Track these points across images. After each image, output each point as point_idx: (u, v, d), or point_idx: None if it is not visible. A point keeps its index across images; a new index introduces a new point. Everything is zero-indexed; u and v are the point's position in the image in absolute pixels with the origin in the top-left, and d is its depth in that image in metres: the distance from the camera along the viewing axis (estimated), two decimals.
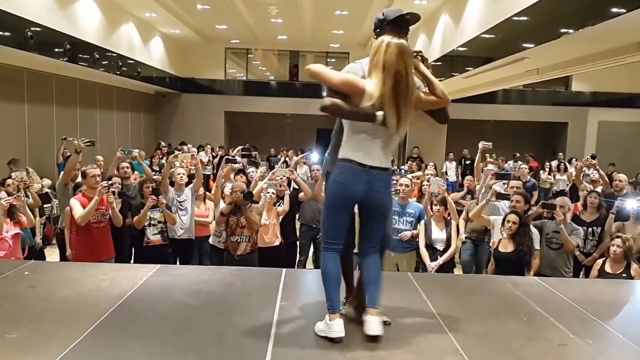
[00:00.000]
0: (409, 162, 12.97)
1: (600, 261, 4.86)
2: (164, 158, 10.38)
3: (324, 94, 2.71)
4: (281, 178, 5.90)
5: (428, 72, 2.69)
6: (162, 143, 14.30)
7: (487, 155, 13.04)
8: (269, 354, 2.53)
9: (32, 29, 8.11)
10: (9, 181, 5.76)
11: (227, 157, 6.37)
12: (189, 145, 12.09)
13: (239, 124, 18.84)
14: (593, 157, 9.58)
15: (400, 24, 2.72)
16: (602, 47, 7.33)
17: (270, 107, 18.19)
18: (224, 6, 12.51)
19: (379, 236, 2.80)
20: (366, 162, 2.62)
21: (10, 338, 2.61)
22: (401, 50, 2.56)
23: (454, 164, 13.77)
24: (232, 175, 6.33)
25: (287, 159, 11.03)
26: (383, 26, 2.73)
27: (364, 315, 2.68)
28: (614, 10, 5.70)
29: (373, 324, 2.63)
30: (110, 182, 4.93)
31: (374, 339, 2.63)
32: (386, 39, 2.59)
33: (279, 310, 3.07)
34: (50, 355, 2.44)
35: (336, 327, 2.63)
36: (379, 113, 2.52)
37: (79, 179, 5.52)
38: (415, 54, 2.67)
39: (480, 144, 6.62)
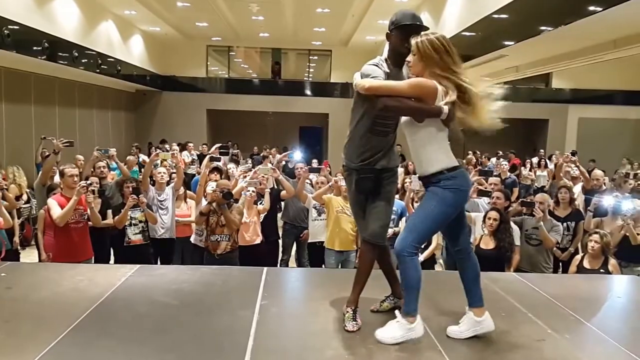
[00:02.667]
0: None
1: (578, 257, 4.93)
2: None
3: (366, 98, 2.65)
4: (262, 176, 5.88)
5: None
6: (136, 144, 14.08)
7: (471, 152, 13.18)
8: (249, 353, 2.52)
9: (10, 27, 7.97)
10: None
11: (211, 155, 6.32)
12: (173, 145, 11.96)
13: (221, 122, 18.74)
14: (573, 153, 9.71)
15: (408, 30, 2.70)
16: (580, 45, 7.45)
17: (252, 105, 18.12)
18: (204, 3, 12.43)
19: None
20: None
21: None
22: None
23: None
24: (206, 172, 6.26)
25: (270, 156, 10.99)
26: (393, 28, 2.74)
27: (481, 316, 2.73)
28: (591, 8, 5.79)
29: (490, 320, 2.76)
30: (88, 182, 4.86)
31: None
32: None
33: (259, 310, 3.06)
34: (27, 357, 2.41)
35: (419, 327, 2.67)
36: (445, 107, 2.52)
37: (56, 179, 5.44)
38: None
39: None
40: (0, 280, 3.54)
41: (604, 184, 7.27)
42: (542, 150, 14.89)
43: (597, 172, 7.09)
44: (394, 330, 2.66)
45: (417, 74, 2.64)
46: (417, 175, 2.80)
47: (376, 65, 2.72)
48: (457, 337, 2.73)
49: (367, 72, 2.68)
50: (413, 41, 2.60)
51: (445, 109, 2.52)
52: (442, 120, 2.58)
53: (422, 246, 5.31)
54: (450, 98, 2.55)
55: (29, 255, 6.67)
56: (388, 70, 2.72)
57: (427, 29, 2.70)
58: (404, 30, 2.68)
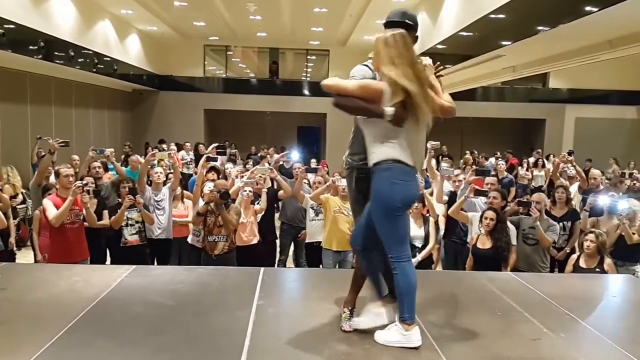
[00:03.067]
0: None
1: (574, 256, 4.94)
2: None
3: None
4: (260, 176, 5.87)
5: None
6: (128, 143, 14.03)
7: (468, 152, 13.19)
8: (245, 353, 2.51)
9: (5, 26, 7.94)
10: None
11: (208, 155, 6.31)
12: (172, 145, 11.94)
13: (218, 122, 18.72)
14: (570, 153, 9.75)
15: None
16: (576, 45, 7.46)
17: (250, 105, 18.11)
18: (202, 3, 12.41)
19: None
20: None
21: None
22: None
23: (433, 161, 13.82)
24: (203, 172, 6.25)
25: (268, 156, 10.97)
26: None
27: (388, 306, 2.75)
28: (587, 8, 5.80)
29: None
30: (84, 182, 4.85)
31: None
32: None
33: (255, 310, 3.06)
34: (23, 358, 2.39)
35: (416, 335, 2.58)
36: (389, 109, 2.48)
37: (52, 179, 5.41)
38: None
39: (429, 144, 6.67)
40: None
41: (601, 183, 7.29)
42: (539, 150, 14.93)
43: (594, 172, 7.10)
44: (390, 333, 2.63)
45: (375, 69, 2.64)
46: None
47: (366, 66, 2.72)
48: (381, 342, 2.63)
49: (351, 73, 2.72)
50: (374, 37, 2.61)
51: (389, 110, 2.48)
52: (393, 121, 2.51)
53: (420, 246, 5.35)
54: (395, 100, 2.49)
55: (25, 256, 6.66)
56: None
57: (412, 26, 2.67)
58: (393, 27, 2.67)
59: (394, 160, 2.53)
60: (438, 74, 2.78)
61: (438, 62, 2.80)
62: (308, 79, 19.79)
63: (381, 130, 2.55)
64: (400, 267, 2.56)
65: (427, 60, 2.75)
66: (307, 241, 6.13)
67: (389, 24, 2.67)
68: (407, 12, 2.75)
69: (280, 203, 6.62)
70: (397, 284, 2.58)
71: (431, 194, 6.28)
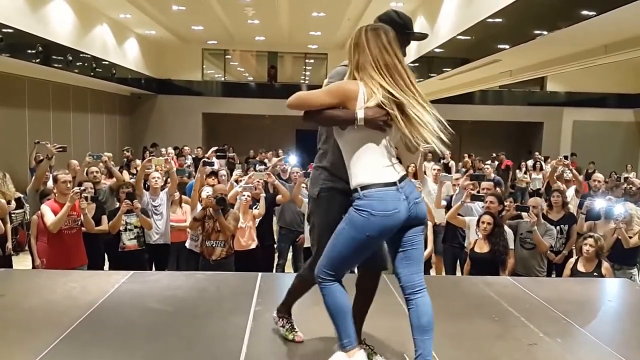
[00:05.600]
0: None
1: (572, 260, 4.95)
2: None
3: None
4: (257, 181, 5.88)
5: None
6: (128, 148, 14.03)
7: (466, 155, 13.22)
8: (242, 359, 2.52)
9: (3, 31, 7.95)
10: None
11: (204, 159, 6.31)
12: (169, 149, 11.93)
13: (217, 126, 18.73)
14: (566, 157, 9.76)
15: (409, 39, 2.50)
16: (572, 50, 7.50)
17: (248, 109, 18.12)
18: (200, 7, 12.43)
19: None
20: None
21: None
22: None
23: (432, 164, 13.85)
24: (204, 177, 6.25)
25: (265, 160, 10.97)
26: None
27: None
28: (584, 13, 5.83)
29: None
30: (82, 188, 4.85)
31: None
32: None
33: (253, 316, 3.06)
34: None
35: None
36: (361, 112, 2.14)
37: (49, 184, 5.40)
38: None
39: (421, 147, 6.65)
40: None
41: (602, 187, 7.29)
42: (537, 153, 14.96)
43: (598, 175, 7.11)
44: None
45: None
46: None
47: (345, 65, 2.36)
48: None
49: (330, 74, 2.45)
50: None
51: (360, 113, 2.13)
52: (372, 125, 2.16)
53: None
54: (371, 102, 2.15)
55: (23, 261, 6.65)
56: None
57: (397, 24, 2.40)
58: (407, 36, 2.47)
59: (373, 184, 2.17)
60: None
61: None
62: (306, 82, 19.82)
63: (351, 143, 2.23)
64: (328, 289, 2.27)
65: None
66: (305, 246, 6.12)
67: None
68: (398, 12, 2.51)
69: (278, 207, 6.62)
70: (326, 306, 2.29)
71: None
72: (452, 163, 10.63)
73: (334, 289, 2.27)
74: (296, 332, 2.73)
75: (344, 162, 2.27)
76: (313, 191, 2.48)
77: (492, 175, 9.00)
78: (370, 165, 2.21)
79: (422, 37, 2.61)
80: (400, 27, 2.39)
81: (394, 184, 2.20)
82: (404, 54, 2.34)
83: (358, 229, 2.18)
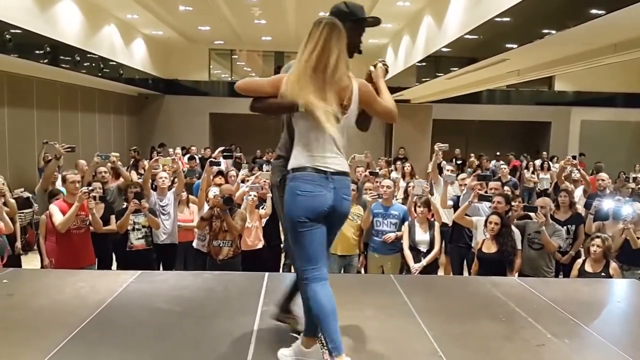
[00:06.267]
0: (397, 162, 12.95)
1: (580, 260, 4.92)
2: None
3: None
4: (264, 181, 5.88)
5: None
6: (135, 148, 14.06)
7: (472, 155, 13.18)
8: (249, 359, 2.52)
9: (11, 31, 7.99)
10: None
11: (211, 159, 6.32)
12: (177, 149, 11.96)
13: (224, 126, 18.74)
14: (574, 157, 9.71)
15: (363, 25, 2.54)
16: (580, 49, 7.43)
17: None
18: (207, 7, 12.44)
19: None
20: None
21: None
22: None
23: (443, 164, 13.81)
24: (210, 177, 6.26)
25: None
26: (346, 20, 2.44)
27: (309, 347, 2.45)
28: (594, 11, 5.78)
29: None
30: (90, 188, 4.88)
31: None
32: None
33: (260, 316, 3.07)
34: None
35: None
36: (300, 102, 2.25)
37: (58, 185, 5.43)
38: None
39: (436, 146, 6.63)
40: (1, 287, 3.55)
41: (608, 187, 7.24)
42: (545, 153, 14.88)
43: (602, 175, 7.07)
44: None
45: None
46: None
47: None
48: None
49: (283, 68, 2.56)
50: None
51: (301, 100, 2.24)
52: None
53: (425, 251, 5.32)
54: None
55: (31, 261, 6.69)
56: None
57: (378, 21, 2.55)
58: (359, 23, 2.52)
59: (301, 167, 2.30)
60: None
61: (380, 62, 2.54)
62: None
63: (297, 130, 2.37)
64: (310, 289, 2.27)
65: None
66: None
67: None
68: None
69: None
70: (311, 308, 2.29)
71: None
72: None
73: (314, 289, 2.27)
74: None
75: None
76: (275, 179, 2.59)
77: (508, 177, 8.97)
78: (307, 151, 2.32)
79: (375, 21, 2.60)
80: (347, 16, 2.47)
81: (324, 172, 2.29)
82: (359, 42, 2.50)
83: (287, 210, 2.31)
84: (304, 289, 2.34)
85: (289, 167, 2.36)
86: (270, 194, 5.89)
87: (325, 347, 2.26)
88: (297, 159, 2.34)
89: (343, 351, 2.22)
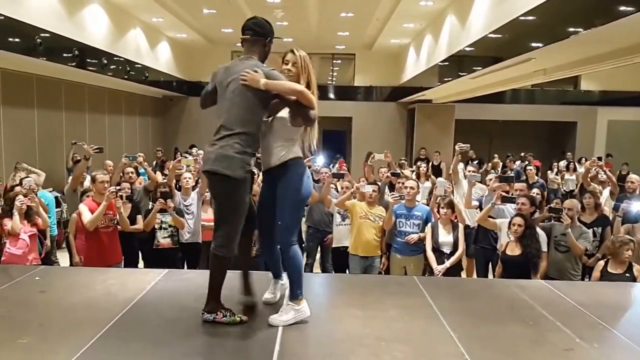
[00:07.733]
0: (417, 163, 12.89)
1: (602, 262, 4.83)
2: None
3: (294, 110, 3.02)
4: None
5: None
6: (160, 149, 14.22)
7: (496, 155, 13.03)
8: (275, 358, 2.55)
9: (41, 35, 8.19)
10: (18, 189, 5.80)
11: None
12: (200, 150, 12.08)
13: None
14: (599, 158, 9.52)
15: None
16: (609, 48, 7.29)
17: None
18: (230, 10, 12.56)
19: None
20: None
21: (21, 343, 2.66)
22: None
23: (460, 164, 13.68)
24: None
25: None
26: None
27: (299, 305, 3.04)
28: (623, 9, 5.67)
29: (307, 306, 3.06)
30: (118, 187, 4.99)
31: None
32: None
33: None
34: None
35: (306, 307, 3.00)
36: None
37: (86, 184, 5.54)
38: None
39: (457, 147, 6.56)
40: (35, 284, 3.65)
41: (638, 188, 7.08)
42: (569, 154, 14.64)
43: (633, 176, 6.92)
44: (285, 314, 2.95)
45: (297, 79, 3.20)
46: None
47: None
48: (279, 325, 2.92)
49: (276, 74, 3.13)
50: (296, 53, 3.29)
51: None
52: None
53: (449, 252, 5.28)
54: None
55: (60, 259, 6.84)
56: None
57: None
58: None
59: (299, 157, 3.01)
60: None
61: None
62: (334, 83, 19.81)
63: (298, 131, 3.03)
64: (293, 250, 2.97)
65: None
66: (333, 246, 6.13)
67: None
68: None
69: (307, 207, 6.65)
70: (291, 265, 2.99)
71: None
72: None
73: (295, 249, 2.99)
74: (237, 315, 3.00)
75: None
76: (239, 174, 2.92)
77: (536, 178, 8.84)
78: (299, 146, 3.08)
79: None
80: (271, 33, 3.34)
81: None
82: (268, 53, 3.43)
83: (305, 191, 3.06)
84: (288, 252, 2.97)
85: (291, 156, 2.96)
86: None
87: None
88: (296, 153, 3.01)
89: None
